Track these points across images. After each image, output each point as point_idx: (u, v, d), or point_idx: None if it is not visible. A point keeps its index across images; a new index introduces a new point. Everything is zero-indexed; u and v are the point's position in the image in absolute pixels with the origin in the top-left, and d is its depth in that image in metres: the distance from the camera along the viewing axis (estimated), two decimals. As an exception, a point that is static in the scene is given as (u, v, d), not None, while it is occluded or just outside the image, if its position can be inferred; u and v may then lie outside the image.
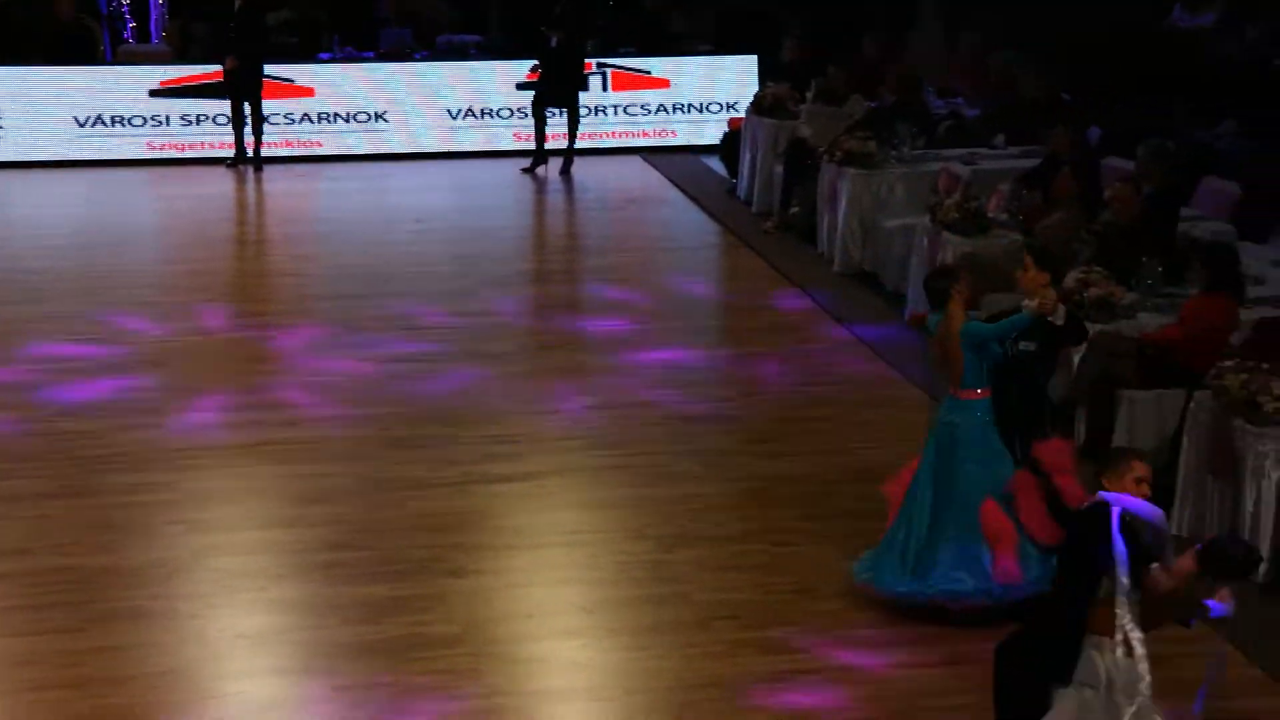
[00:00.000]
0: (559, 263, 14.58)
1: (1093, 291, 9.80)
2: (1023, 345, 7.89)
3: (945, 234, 11.84)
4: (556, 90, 17.37)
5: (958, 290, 7.73)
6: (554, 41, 17.21)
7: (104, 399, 10.61)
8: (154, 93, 18.04)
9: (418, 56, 19.10)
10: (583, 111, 18.20)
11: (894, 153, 13.86)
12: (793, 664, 7.34)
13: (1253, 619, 7.81)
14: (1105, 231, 10.72)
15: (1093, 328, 9.72)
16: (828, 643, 7.51)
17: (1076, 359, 9.64)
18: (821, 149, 14.29)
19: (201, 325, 12.30)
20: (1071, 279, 9.91)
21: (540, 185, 17.21)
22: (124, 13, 19.60)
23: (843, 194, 13.67)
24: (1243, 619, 7.75)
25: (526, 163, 17.59)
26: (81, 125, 17.91)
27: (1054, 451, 7.68)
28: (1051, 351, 8.17)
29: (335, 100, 18.32)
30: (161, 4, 19.46)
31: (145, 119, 18.02)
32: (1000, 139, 14.41)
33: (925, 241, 12.15)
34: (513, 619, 7.80)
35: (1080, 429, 9.71)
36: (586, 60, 18.38)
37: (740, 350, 11.95)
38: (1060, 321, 7.80)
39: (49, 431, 10.01)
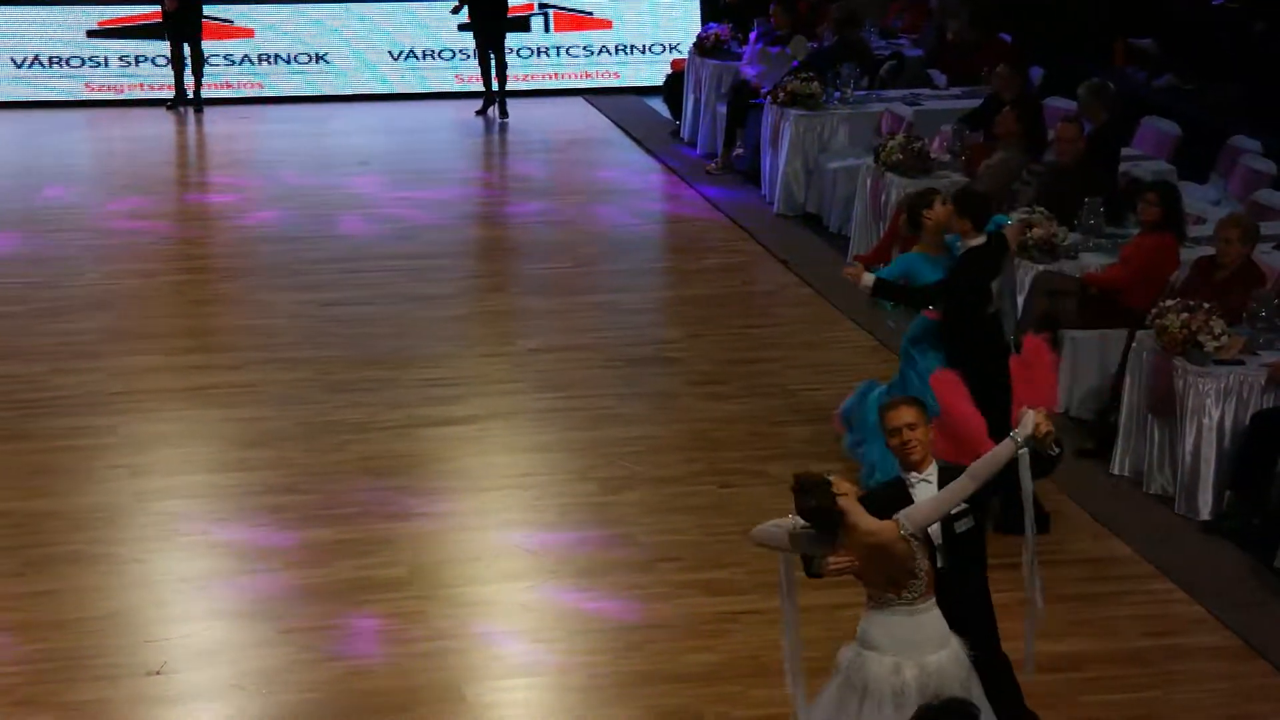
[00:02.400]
0: (500, 204, 14.52)
1: (1035, 232, 9.83)
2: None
3: (888, 175, 11.84)
4: (482, 32, 17.23)
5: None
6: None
7: (41, 342, 10.51)
8: (92, 33, 17.81)
9: (360, -2, 18.92)
10: (524, 53, 18.07)
11: (836, 94, 13.84)
12: (737, 605, 7.36)
13: (1193, 558, 7.92)
14: (1047, 171, 10.75)
15: (1035, 268, 9.78)
16: (771, 585, 7.52)
17: (1021, 300, 9.67)
18: (765, 90, 14.25)
19: (142, 268, 12.19)
20: (1014, 219, 9.93)
21: (483, 127, 17.12)
22: (60, -48, 19.30)
23: (786, 135, 13.65)
24: (1183, 558, 7.88)
25: (475, 104, 17.48)
26: (19, 66, 17.67)
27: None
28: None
29: (275, 42, 18.13)
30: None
31: (83, 60, 17.79)
32: (943, 79, 14.42)
33: (869, 182, 12.15)
34: (458, 562, 7.81)
35: (1022, 370, 9.76)
36: (527, 1, 18.25)
37: (684, 292, 11.94)
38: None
39: (-14, 376, 9.93)
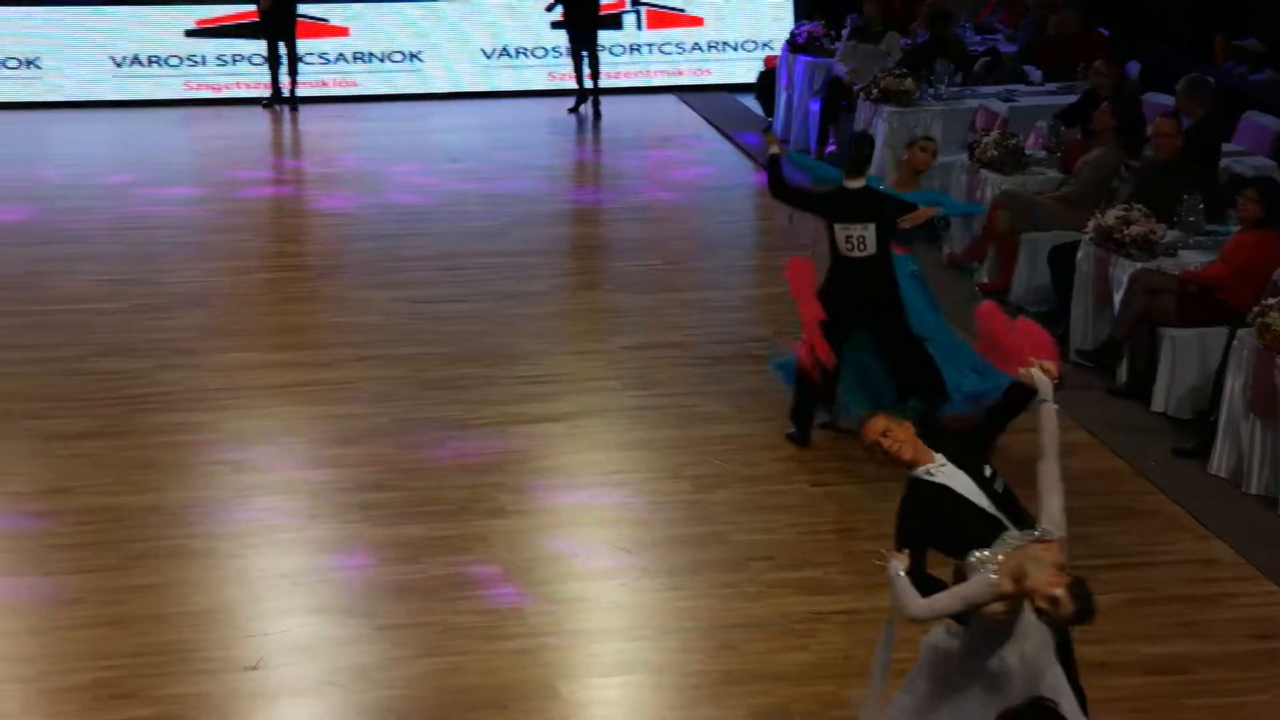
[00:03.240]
0: (593, 202, 14.56)
1: (1133, 229, 9.74)
2: None
3: (984, 171, 11.77)
4: (575, 31, 17.27)
5: None
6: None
7: (143, 339, 10.65)
8: (190, 33, 18.02)
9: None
10: (616, 51, 18.11)
11: (930, 90, 13.77)
12: (830, 605, 7.35)
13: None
14: (1145, 168, 10.65)
15: (1133, 266, 9.68)
16: (865, 585, 7.51)
17: (1118, 298, 9.58)
18: (858, 87, 14.21)
19: (238, 265, 12.33)
20: (1111, 216, 9.85)
21: (575, 125, 17.16)
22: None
23: (879, 132, 13.59)
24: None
25: (567, 102, 17.53)
26: (119, 65, 17.91)
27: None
28: None
29: (370, 40, 18.27)
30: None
31: (182, 59, 18.00)
32: (1038, 75, 14.31)
33: (964, 179, 12.08)
34: (552, 559, 7.83)
35: (1122, 368, 9.68)
36: (620, -1, 18.29)
37: (774, 290, 11.89)
38: None
39: (89, 371, 10.07)
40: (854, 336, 8.84)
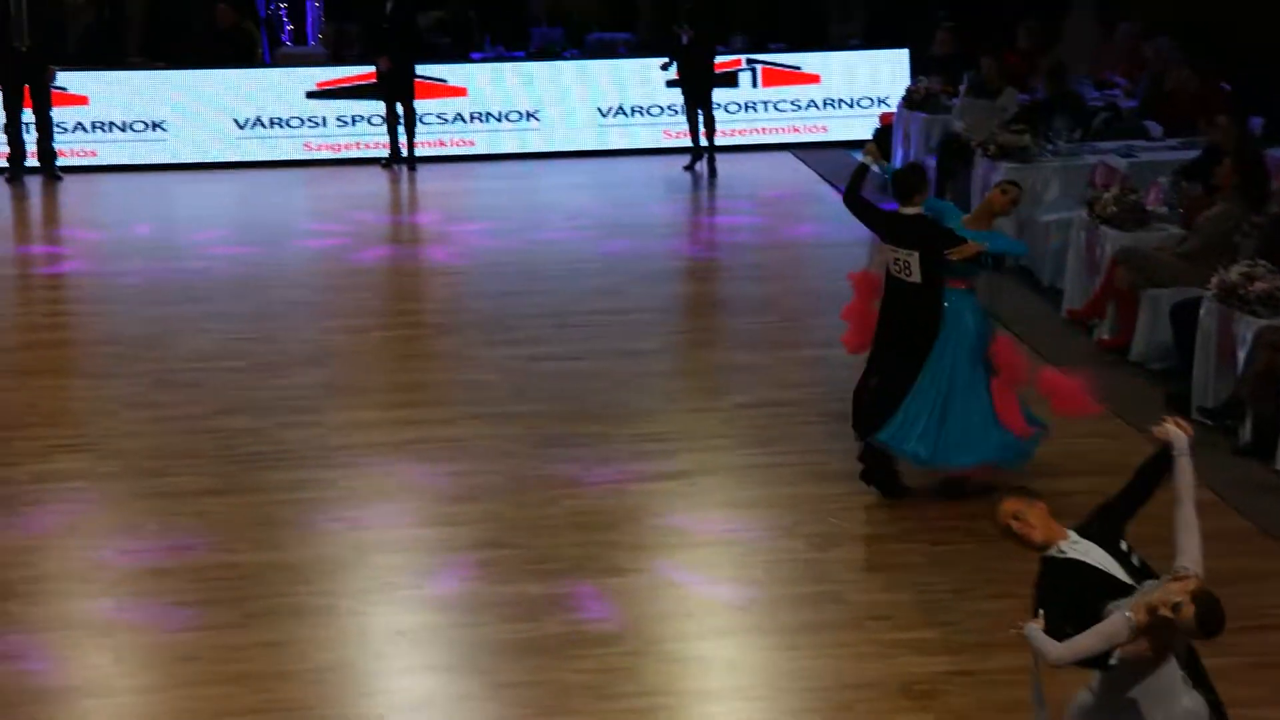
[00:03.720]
0: (708, 259, 14.58)
1: (1258, 285, 9.60)
2: None
3: (1103, 228, 11.67)
4: (690, 89, 17.35)
5: None
6: (685, 39, 17.17)
7: (264, 397, 10.78)
8: (310, 94, 18.30)
9: (568, 55, 19.19)
10: (732, 108, 18.17)
11: (1049, 146, 13.68)
12: (949, 666, 7.27)
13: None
14: (1269, 224, 10.50)
15: (1258, 323, 9.54)
16: (985, 645, 7.42)
17: (1241, 355, 9.45)
18: (975, 142, 14.14)
19: (356, 323, 12.46)
20: (1235, 273, 9.72)
21: (690, 182, 17.22)
22: (282, 16, 19.91)
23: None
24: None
25: (682, 160, 17.61)
26: (241, 127, 18.21)
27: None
28: None
29: (487, 99, 18.46)
30: (318, 6, 19.74)
31: (302, 120, 18.28)
32: (1158, 130, 14.18)
33: (1083, 236, 11.98)
34: (668, 618, 7.81)
35: (1246, 427, 9.53)
36: (734, 57, 18.35)
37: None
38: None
39: (210, 429, 10.20)
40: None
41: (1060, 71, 14.69)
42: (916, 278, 8.83)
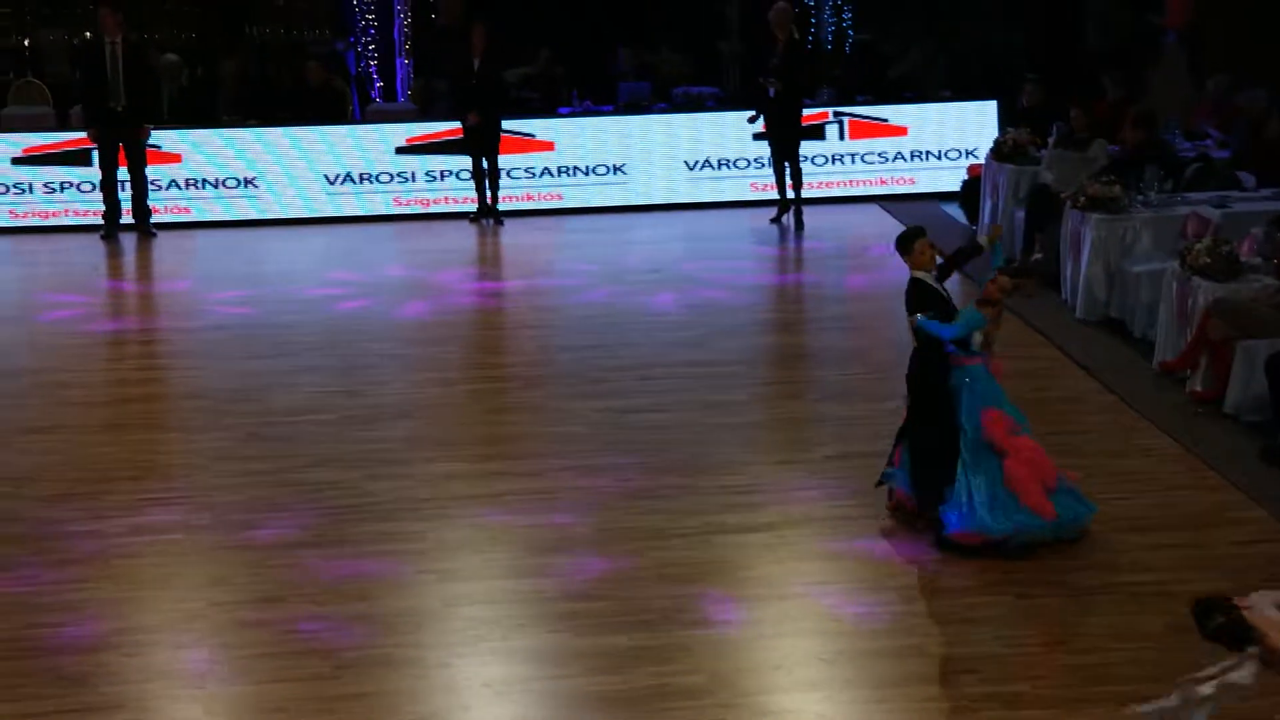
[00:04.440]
0: (794, 311, 14.57)
1: (1352, 337, 9.49)
2: None
3: (1195, 279, 11.57)
4: (777, 141, 17.39)
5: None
6: (772, 92, 17.22)
7: (352, 449, 10.85)
8: (400, 150, 18.49)
9: (655, 109, 19.29)
10: (819, 160, 18.17)
11: (1140, 197, 13.60)
12: (1040, 720, 7.19)
13: None
14: (1364, 274, 10.39)
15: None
16: (1075, 700, 7.34)
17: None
18: (1065, 194, 14.08)
19: (443, 376, 12.54)
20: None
21: (777, 235, 17.23)
22: (372, 73, 20.16)
23: (1087, 240, 13.44)
24: None
25: (769, 212, 17.64)
26: (331, 183, 18.43)
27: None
28: None
29: (574, 154, 18.58)
30: (408, 63, 19.97)
31: (391, 175, 18.47)
32: (1251, 180, 14.05)
33: (1174, 287, 11.88)
34: (757, 670, 7.78)
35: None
36: (822, 110, 18.36)
37: (982, 399, 11.77)
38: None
39: (300, 482, 10.28)
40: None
41: (1153, 122, 14.60)
42: (912, 341, 9.19)
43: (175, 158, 18.23)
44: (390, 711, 7.42)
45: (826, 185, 18.54)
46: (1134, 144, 14.47)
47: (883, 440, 10.72)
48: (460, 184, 18.36)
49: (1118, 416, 11.18)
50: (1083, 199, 13.57)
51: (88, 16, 20.20)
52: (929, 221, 17.37)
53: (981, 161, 17.06)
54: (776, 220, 17.47)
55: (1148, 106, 14.98)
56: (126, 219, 17.71)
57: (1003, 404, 9.01)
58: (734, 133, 18.47)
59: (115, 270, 16.67)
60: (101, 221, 17.72)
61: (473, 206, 18.06)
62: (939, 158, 18.82)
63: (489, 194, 17.87)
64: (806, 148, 17.79)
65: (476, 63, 17.73)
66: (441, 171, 18.47)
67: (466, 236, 17.50)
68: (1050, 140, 15.78)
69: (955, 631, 8.08)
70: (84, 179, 18.11)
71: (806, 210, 17.32)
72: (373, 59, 20.21)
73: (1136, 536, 8.99)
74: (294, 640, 8.10)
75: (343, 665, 7.84)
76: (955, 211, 17.56)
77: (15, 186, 18.17)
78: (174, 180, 18.24)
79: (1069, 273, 13.82)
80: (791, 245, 16.93)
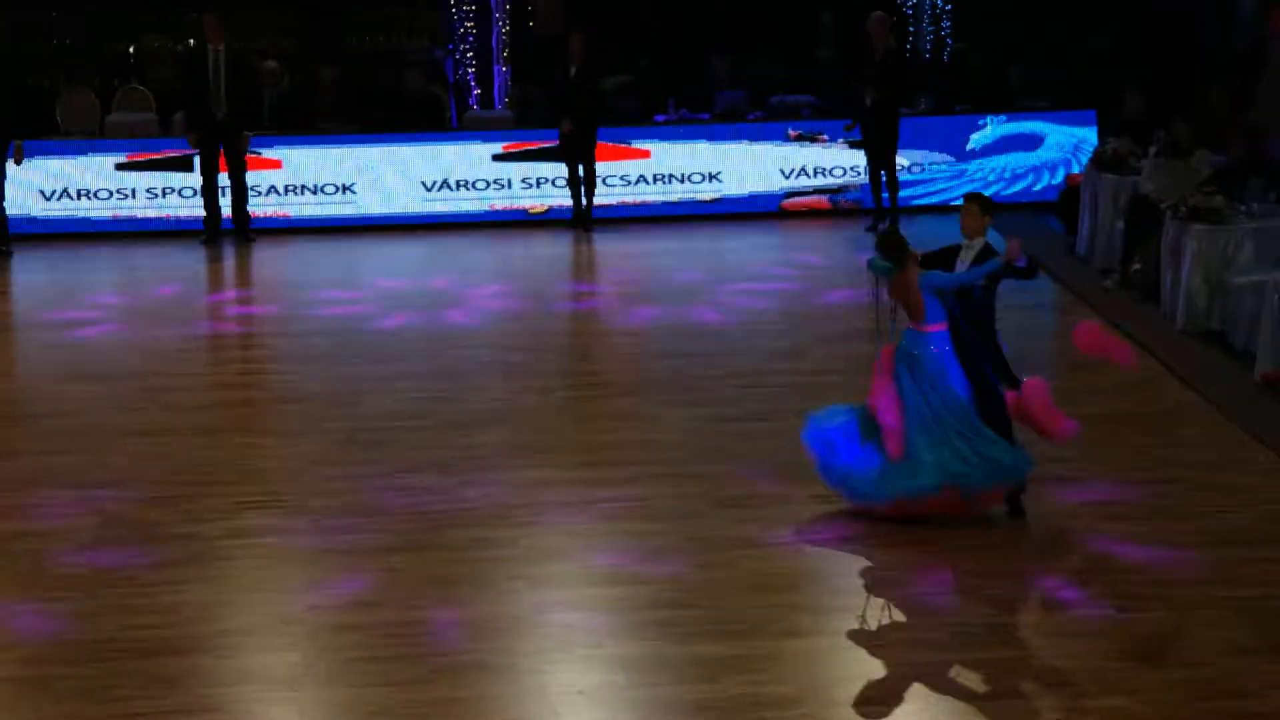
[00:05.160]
0: (890, 321, 14.46)
1: None
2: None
3: (1298, 290, 11.41)
4: (873, 149, 17.32)
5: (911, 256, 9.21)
6: (868, 100, 17.15)
7: (448, 455, 10.90)
8: (496, 157, 18.58)
9: (751, 117, 19.28)
10: (915, 169, 18.07)
11: (1243, 207, 13.42)
12: (1138, 735, 7.10)
13: None
14: None
15: None
16: (1176, 715, 7.24)
17: None
18: (1165, 205, 13.92)
19: (538, 384, 12.57)
20: None
21: (873, 243, 17.13)
22: (470, 81, 20.26)
23: (1188, 251, 13.28)
24: None
25: (864, 221, 17.58)
26: (428, 189, 18.54)
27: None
28: (995, 288, 9.69)
29: (670, 162, 18.59)
30: (505, 71, 20.06)
31: (488, 182, 18.56)
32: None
33: (1277, 298, 11.72)
34: (848, 681, 7.73)
35: None
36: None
37: (1080, 410, 11.64)
38: (1024, 264, 9.28)
39: (395, 487, 10.33)
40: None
41: (1258, 132, 14.42)
42: None
43: (275, 164, 18.41)
44: (482, 716, 7.44)
45: (923, 194, 18.45)
46: (1238, 154, 14.29)
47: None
48: (557, 191, 18.41)
49: (1218, 429, 11.03)
50: (1184, 209, 13.41)
51: (191, 24, 20.46)
52: (1027, 232, 17.22)
53: (1080, 171, 16.91)
54: (873, 229, 17.40)
55: (1254, 117, 14.79)
56: (228, 224, 17.89)
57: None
58: (829, 141, 18.45)
59: (214, 276, 16.85)
60: (202, 226, 17.93)
61: (567, 213, 18.10)
62: (1037, 167, 18.68)
63: (584, 201, 17.92)
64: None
65: (574, 70, 17.78)
66: (538, 179, 18.54)
67: (562, 243, 17.55)
68: (1151, 150, 15.61)
69: (1052, 644, 8.00)
70: (185, 185, 18.32)
71: (903, 218, 17.23)
72: (470, 66, 20.31)
73: (1237, 550, 8.86)
74: (388, 645, 8.13)
75: (436, 670, 7.87)
76: (1053, 221, 17.42)
77: (119, 191, 18.42)
78: (274, 186, 18.42)
79: (1169, 284, 13.67)
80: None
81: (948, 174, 18.66)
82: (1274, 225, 13.23)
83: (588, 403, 12.16)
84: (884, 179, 17.30)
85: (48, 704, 7.54)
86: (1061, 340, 13.94)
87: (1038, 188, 18.45)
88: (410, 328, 14.24)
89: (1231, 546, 8.87)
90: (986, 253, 9.61)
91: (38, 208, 18.29)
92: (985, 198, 9.97)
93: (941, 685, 7.64)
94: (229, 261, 17.29)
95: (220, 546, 9.42)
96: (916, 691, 7.60)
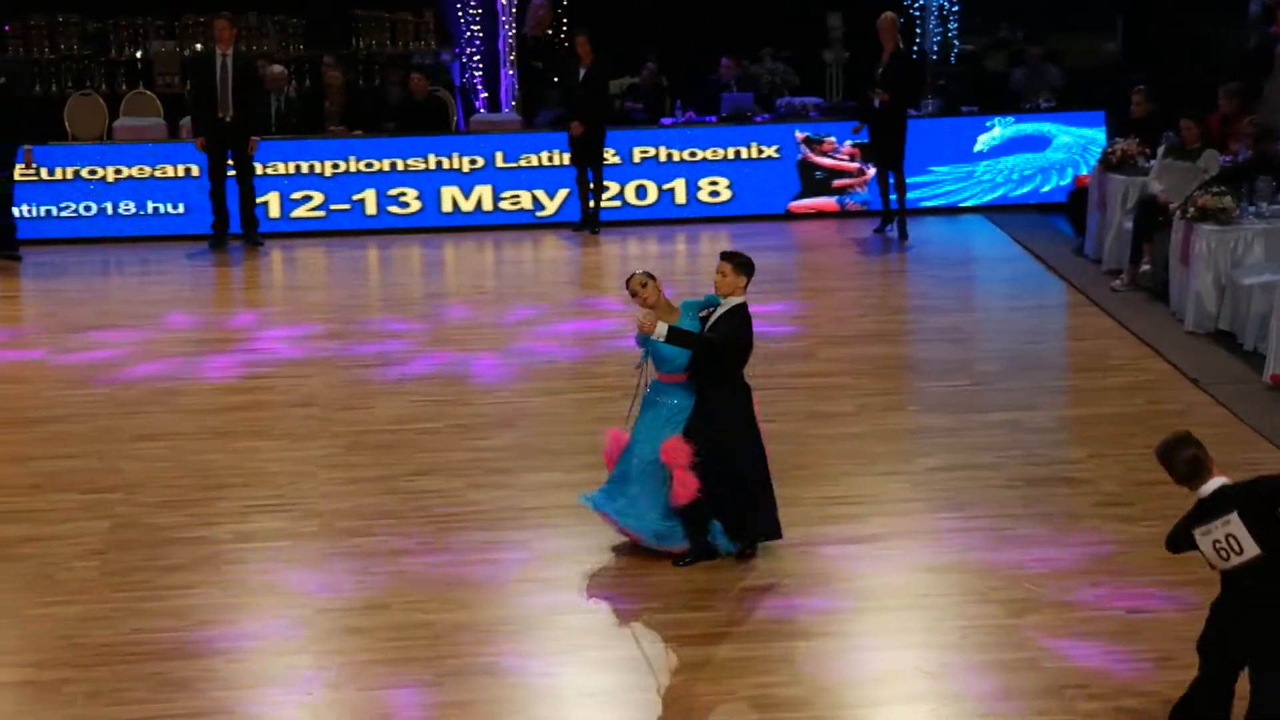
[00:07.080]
0: (899, 322, 14.49)
1: None
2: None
3: (1307, 291, 11.40)
4: (881, 151, 17.31)
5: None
6: (877, 102, 17.14)
7: (458, 458, 10.91)
8: (503, 159, 18.57)
9: (758, 120, 19.26)
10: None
11: (1251, 208, 13.41)
12: (1149, 736, 7.11)
13: None
14: None
15: None
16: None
17: None
18: (1173, 205, 13.92)
19: (547, 386, 12.58)
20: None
21: (881, 245, 17.15)
22: (477, 84, 20.27)
23: (1197, 251, 13.28)
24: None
25: (872, 223, 17.57)
26: (435, 193, 18.53)
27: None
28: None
29: (677, 164, 18.57)
30: (512, 74, 20.06)
31: (495, 185, 18.56)
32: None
33: (1286, 300, 11.72)
34: (859, 683, 7.74)
35: None
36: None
37: (1087, 411, 11.68)
38: (663, 338, 8.94)
39: (406, 490, 10.35)
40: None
41: (1267, 133, 14.40)
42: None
43: (282, 167, 18.41)
44: (491, 719, 7.45)
45: (932, 195, 18.43)
46: (1246, 155, 14.27)
47: (989, 452, 10.68)
48: (564, 194, 18.41)
49: (1228, 430, 11.02)
50: (1193, 210, 13.40)
51: (199, 29, 20.46)
52: (1034, 233, 17.22)
53: (1088, 172, 16.90)
54: (880, 230, 17.39)
55: (1262, 118, 14.76)
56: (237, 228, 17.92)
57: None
58: (837, 143, 18.45)
59: (223, 279, 16.86)
60: (210, 231, 17.94)
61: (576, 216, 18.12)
62: (1046, 168, 18.67)
63: (592, 203, 17.92)
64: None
65: (582, 73, 17.79)
66: (542, 180, 18.54)
67: (569, 245, 17.55)
68: (1159, 151, 15.59)
69: (1064, 646, 8.01)
70: (193, 190, 18.32)
71: (910, 220, 17.21)
72: (477, 70, 20.31)
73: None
74: (398, 647, 8.15)
75: (446, 673, 7.88)
76: (1061, 222, 17.42)
77: (127, 196, 18.42)
78: (279, 189, 18.42)
79: (1177, 284, 13.66)
80: (895, 256, 16.84)
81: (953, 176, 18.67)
82: (1283, 225, 13.24)
83: (596, 405, 12.15)
84: (892, 180, 17.28)
85: (59, 708, 7.56)
86: (1069, 340, 13.96)
87: (1046, 189, 18.42)
88: (416, 330, 14.25)
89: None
90: (734, 314, 9.24)
91: (47, 213, 18.31)
92: (740, 257, 9.27)
93: (954, 687, 7.65)
94: (237, 265, 17.30)
95: (230, 550, 9.44)
96: (928, 692, 7.61)
